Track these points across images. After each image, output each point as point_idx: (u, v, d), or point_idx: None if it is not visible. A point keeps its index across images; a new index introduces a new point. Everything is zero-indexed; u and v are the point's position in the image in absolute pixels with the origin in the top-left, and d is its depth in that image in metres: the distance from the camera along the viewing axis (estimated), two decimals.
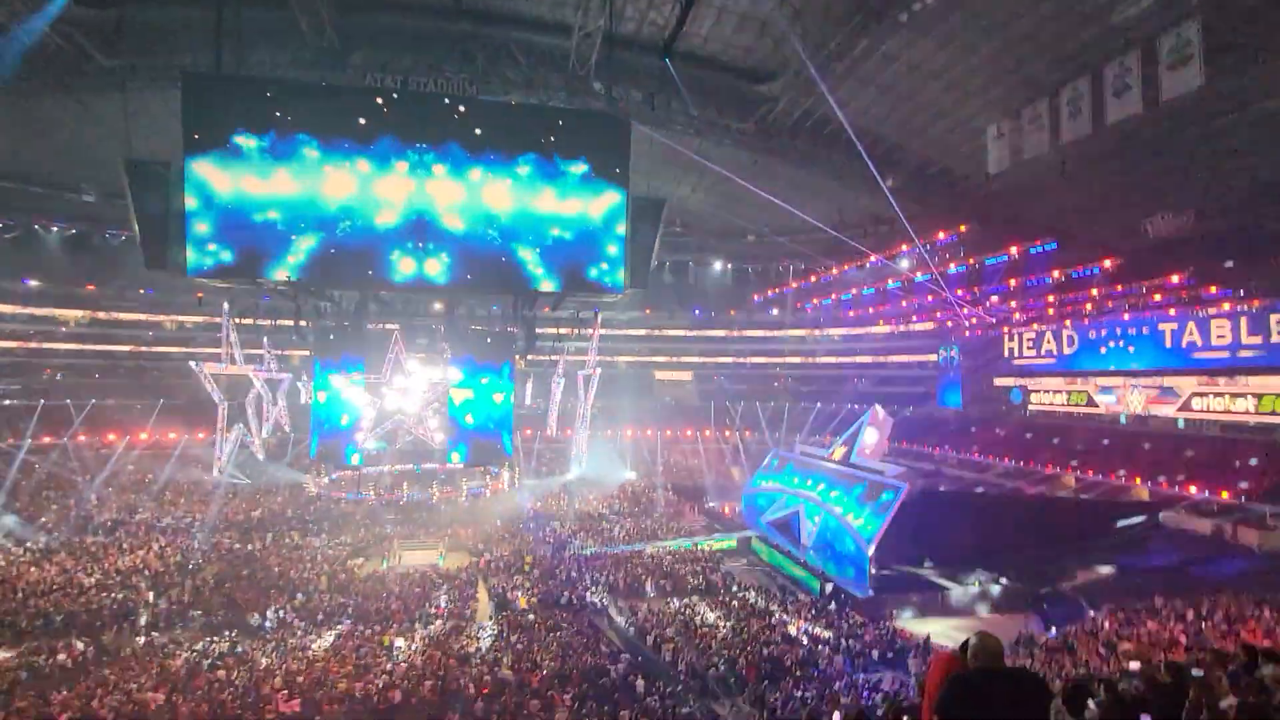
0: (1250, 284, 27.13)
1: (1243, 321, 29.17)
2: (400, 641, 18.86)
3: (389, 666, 16.82)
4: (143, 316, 42.08)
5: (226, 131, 22.92)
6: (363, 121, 24.02)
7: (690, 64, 26.18)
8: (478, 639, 19.12)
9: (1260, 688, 4.08)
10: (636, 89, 26.97)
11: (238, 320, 28.85)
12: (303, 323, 26.76)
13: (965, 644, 3.07)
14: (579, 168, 26.13)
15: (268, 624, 20.15)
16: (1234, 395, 29.66)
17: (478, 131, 25.00)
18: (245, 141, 23.17)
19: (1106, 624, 18.37)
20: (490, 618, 21.38)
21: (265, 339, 29.48)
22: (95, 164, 31.19)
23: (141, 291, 41.34)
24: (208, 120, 22.69)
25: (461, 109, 24.78)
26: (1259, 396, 28.68)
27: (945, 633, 20.50)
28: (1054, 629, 19.70)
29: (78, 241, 39.47)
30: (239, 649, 18.18)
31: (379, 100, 24.16)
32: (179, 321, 42.61)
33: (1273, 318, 27.98)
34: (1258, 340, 28.66)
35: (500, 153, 25.51)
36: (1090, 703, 4.34)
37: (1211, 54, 17.30)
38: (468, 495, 32.68)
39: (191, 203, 22.55)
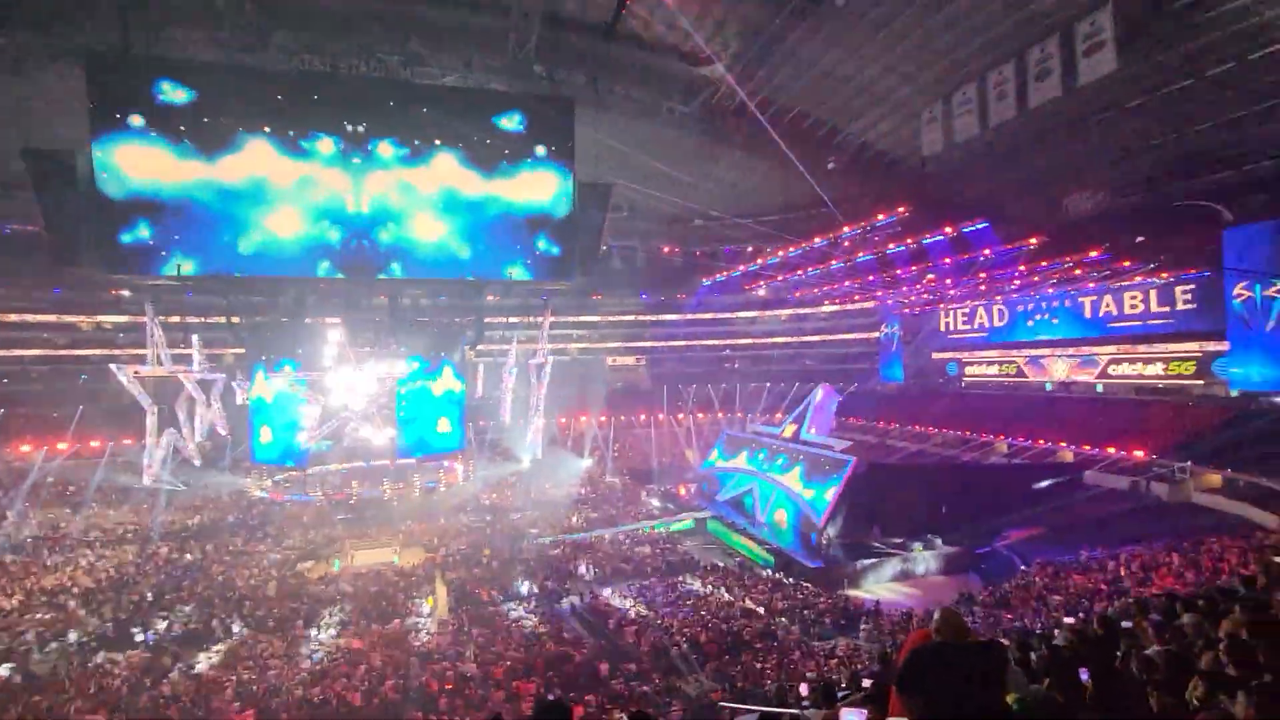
0: (1159, 257, 29.15)
1: (1153, 293, 31.43)
2: (358, 644, 18.46)
3: (347, 669, 16.46)
4: (54, 318, 39.07)
5: (140, 117, 21.45)
6: (292, 108, 22.94)
7: (633, 47, 25.97)
8: (439, 635, 18.91)
9: (1181, 635, 4.49)
10: (580, 72, 26.59)
11: (163, 319, 27.20)
12: (235, 319, 25.53)
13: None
14: (524, 153, 25.72)
15: (216, 631, 19.37)
16: (1146, 361, 31.99)
17: (414, 117, 24.24)
18: (161, 128, 21.75)
19: (1038, 579, 19.68)
20: (450, 612, 21.15)
21: (194, 337, 27.94)
22: None
23: (51, 291, 38.36)
24: (117, 105, 21.20)
25: (396, 94, 23.97)
26: (1167, 361, 31.03)
27: (894, 597, 21.57)
28: (991, 586, 20.98)
29: None
30: (182, 663, 17.44)
31: (308, 85, 23.09)
32: (96, 322, 39.78)
33: (1178, 289, 30.25)
34: (1166, 309, 30.97)
35: (441, 139, 24.84)
36: (1031, 656, 4.68)
37: (1123, 40, 18.38)
38: (421, 490, 32.04)
39: (103, 195, 21.14)
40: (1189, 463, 25.51)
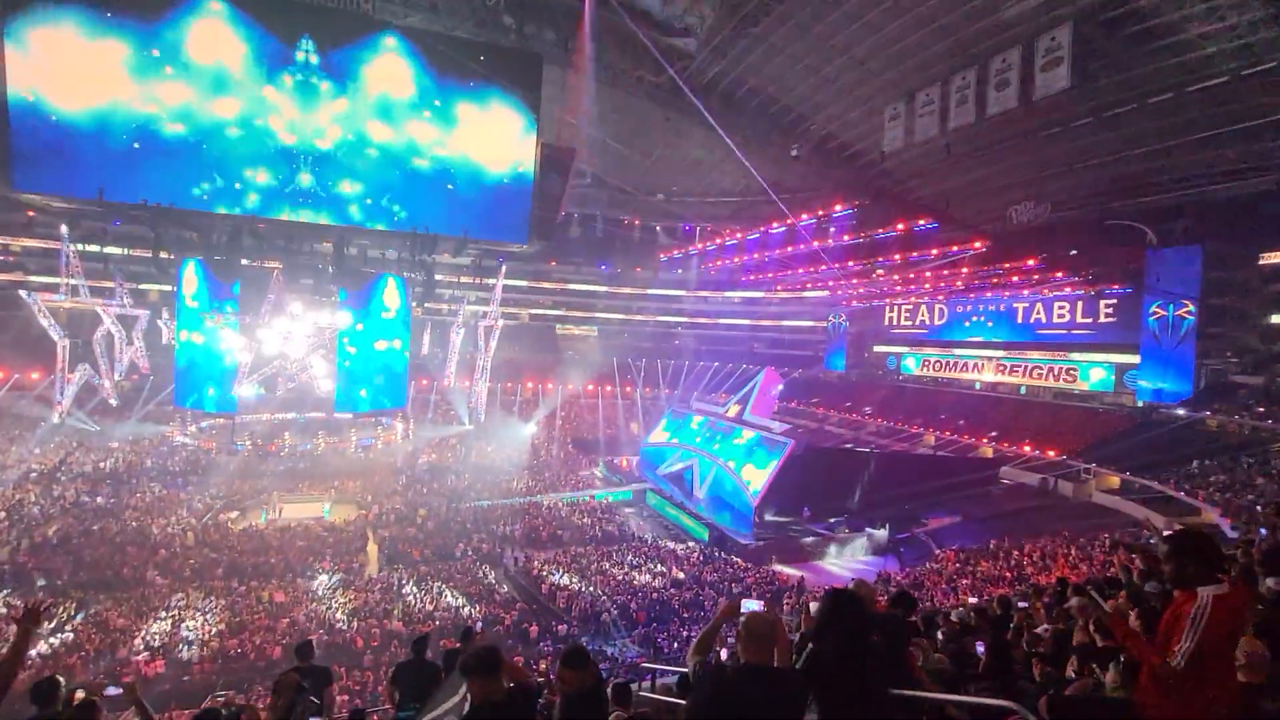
0: (1088, 271, 30.90)
1: (1079, 304, 33.36)
2: (281, 597, 18.06)
3: (268, 622, 16.11)
4: None
5: (47, 17, 19.54)
6: (233, 26, 21.40)
7: (607, 8, 25.30)
8: (367, 592, 18.68)
9: (1067, 616, 4.91)
10: (550, 29, 25.78)
11: (82, 247, 25.21)
12: (163, 254, 23.97)
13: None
14: (486, 107, 24.87)
15: (127, 579, 18.57)
16: (1067, 368, 34.08)
17: (373, 56, 23.04)
18: (75, 33, 19.89)
19: (950, 564, 20.97)
20: (381, 571, 20.91)
21: (116, 270, 26.08)
22: None
23: None
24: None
25: (351, 27, 22.69)
26: (1085, 369, 33.17)
27: (818, 576, 22.56)
28: (907, 569, 22.23)
29: None
30: (88, 611, 16.67)
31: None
32: (3, 244, 36.47)
33: (1101, 302, 32.20)
34: (1089, 320, 32.96)
35: (400, 83, 23.70)
36: (938, 633, 5.03)
37: (1078, 58, 19.14)
38: (357, 446, 31.23)
39: (11, 104, 19.31)
40: (1093, 464, 27.48)
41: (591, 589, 19.38)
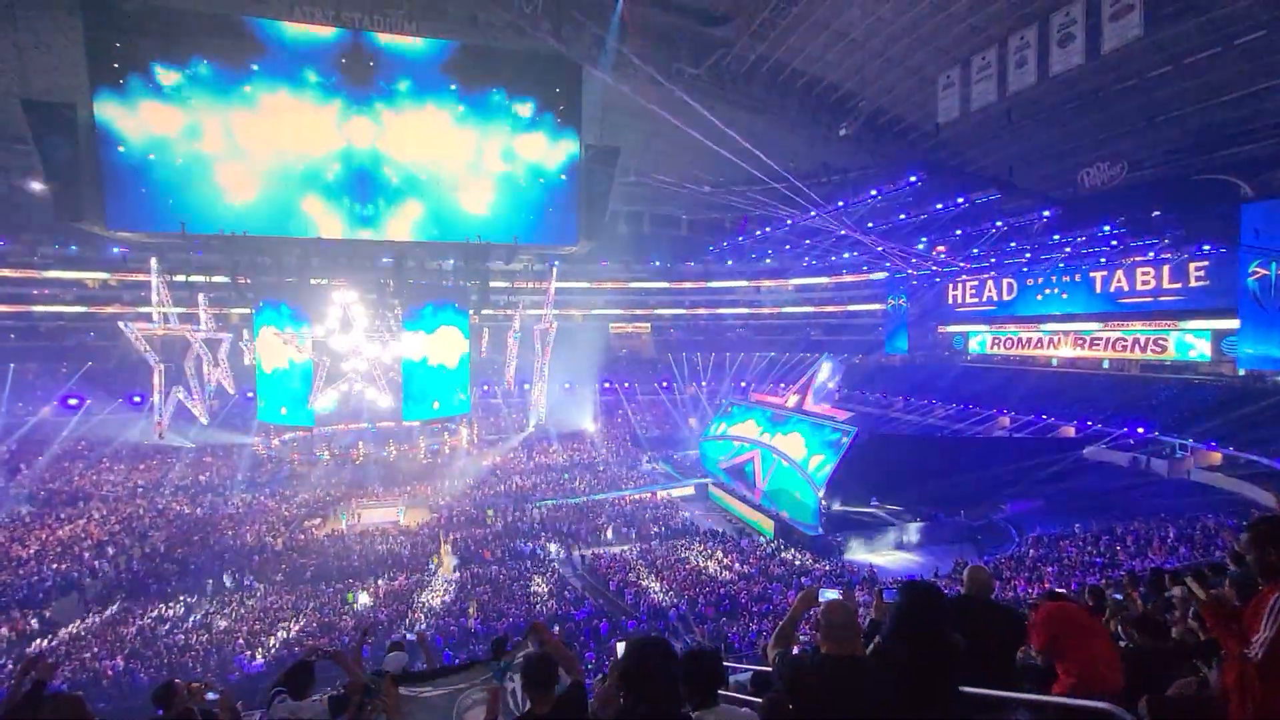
0: (1175, 233, 28.64)
1: (1165, 269, 30.96)
2: (364, 597, 18.96)
3: (354, 623, 16.94)
4: (60, 274, 39.03)
5: (136, 69, 21.14)
6: (291, 59, 22.51)
7: (642, 3, 25.20)
8: (442, 592, 19.39)
9: (1169, 607, 4.57)
10: (587, 31, 25.86)
11: (168, 277, 27.16)
12: (240, 280, 25.50)
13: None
14: (529, 113, 25.28)
15: (227, 584, 19.96)
16: (1155, 338, 31.74)
17: (420, 73, 23.79)
18: (159, 80, 21.40)
19: (1032, 550, 19.93)
20: (454, 571, 21.64)
21: (200, 296, 27.96)
22: None
23: (56, 247, 38.27)
24: (114, 56, 20.88)
25: (401, 47, 23.49)
26: (1176, 338, 30.81)
27: (890, 566, 21.92)
28: (986, 557, 21.27)
29: None
30: (196, 614, 17.99)
31: (309, 37, 22.62)
32: (102, 279, 39.77)
33: (1191, 265, 29.78)
34: (1178, 286, 30.55)
35: (445, 97, 24.39)
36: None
37: (1151, 4, 17.70)
38: (426, 452, 32.44)
39: (105, 149, 20.94)
40: (1190, 440, 25.51)
41: (658, 584, 19.46)
